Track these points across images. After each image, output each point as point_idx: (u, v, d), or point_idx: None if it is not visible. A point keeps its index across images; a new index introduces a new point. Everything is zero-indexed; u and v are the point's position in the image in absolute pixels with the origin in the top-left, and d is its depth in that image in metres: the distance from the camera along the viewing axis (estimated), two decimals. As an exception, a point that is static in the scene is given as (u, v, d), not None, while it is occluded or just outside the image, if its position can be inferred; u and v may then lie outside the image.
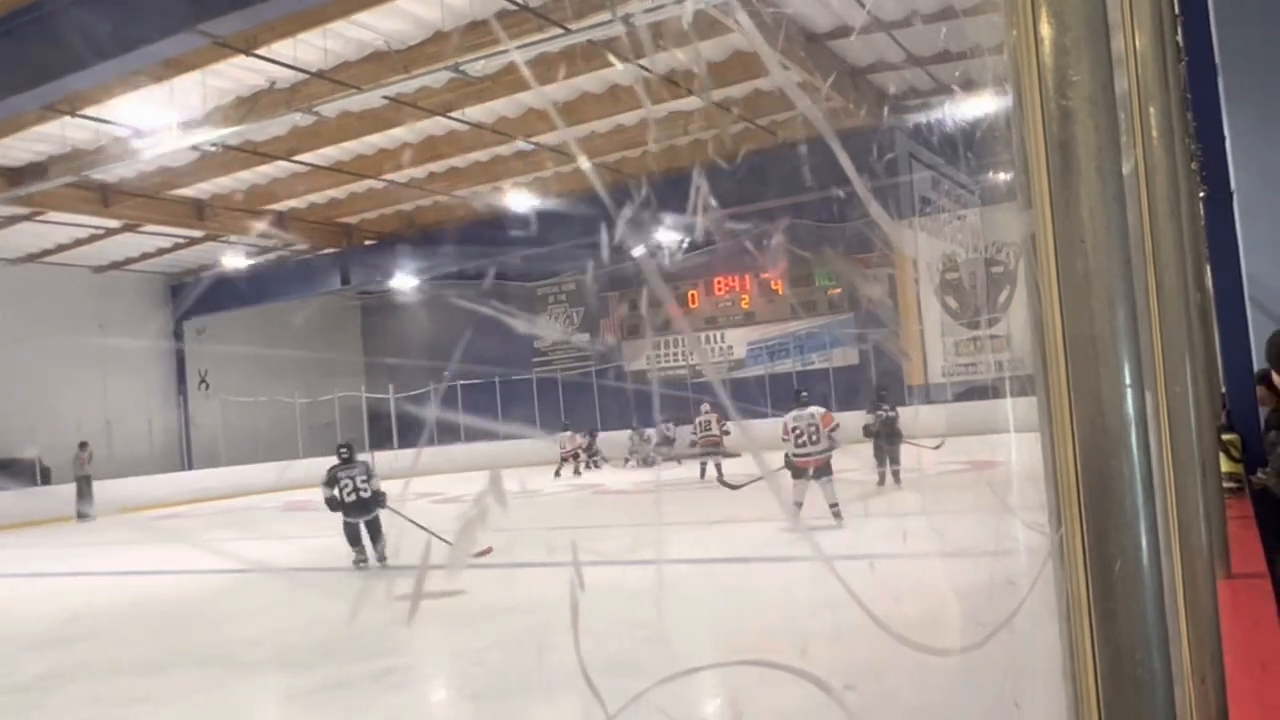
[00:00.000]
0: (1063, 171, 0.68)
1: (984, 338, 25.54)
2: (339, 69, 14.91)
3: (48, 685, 6.46)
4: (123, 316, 27.11)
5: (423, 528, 8.67)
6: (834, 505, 10.09)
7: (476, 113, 17.48)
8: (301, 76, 15.11)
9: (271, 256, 26.79)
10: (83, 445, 22.26)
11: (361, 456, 10.98)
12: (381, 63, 14.65)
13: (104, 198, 20.33)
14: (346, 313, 33.95)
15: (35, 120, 15.51)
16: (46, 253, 24.22)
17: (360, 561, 10.44)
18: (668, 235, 21.39)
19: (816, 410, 10.24)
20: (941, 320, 26.22)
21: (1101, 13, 0.69)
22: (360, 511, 10.30)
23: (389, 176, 21.06)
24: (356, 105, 16.30)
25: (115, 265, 26.45)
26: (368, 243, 26.23)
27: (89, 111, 15.46)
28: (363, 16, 13.61)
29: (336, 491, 10.29)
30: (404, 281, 27.12)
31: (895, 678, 5.07)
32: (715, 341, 29.86)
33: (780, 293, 28.86)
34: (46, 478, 23.68)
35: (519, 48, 13.16)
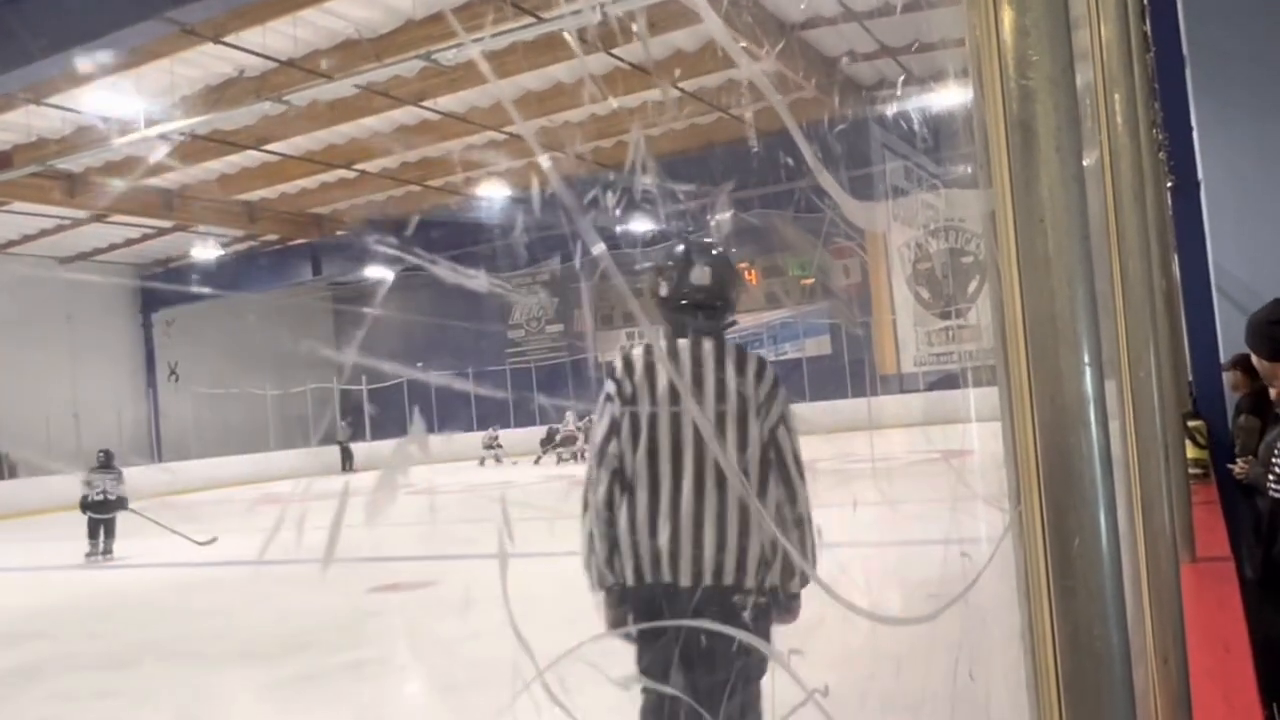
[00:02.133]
0: (1022, 151, 0.68)
1: (955, 327, 25.72)
2: (309, 57, 14.78)
3: (14, 681, 6.39)
4: (91, 308, 26.82)
5: (165, 526, 11.70)
6: None
7: (449, 102, 17.40)
8: (271, 65, 14.97)
9: (242, 247, 26.56)
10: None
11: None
12: (353, 51, 14.54)
13: (70, 188, 20.08)
14: (318, 304, 33.71)
15: (-1, 108, 15.30)
16: (12, 243, 23.91)
17: (91, 554, 11.99)
18: (639, 225, 21.41)
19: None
20: (914, 310, 26.37)
21: (1061, -6, 0.70)
22: (103, 511, 12.03)
23: (361, 166, 20.93)
24: (327, 94, 16.16)
25: (83, 256, 26.15)
26: (339, 233, 26.06)
27: (54, 100, 15.26)
28: (334, 4, 13.51)
29: (89, 491, 12.02)
30: (376, 272, 26.94)
31: (846, 646, 5.12)
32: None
33: (754, 283, 28.93)
34: (13, 472, 23.43)
35: (491, 36, 13.10)
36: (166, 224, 23.82)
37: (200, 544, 11.86)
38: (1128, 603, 0.69)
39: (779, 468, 2.62)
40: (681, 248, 2.87)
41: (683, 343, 2.75)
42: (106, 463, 12.43)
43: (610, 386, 2.74)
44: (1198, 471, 5.42)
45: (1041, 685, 0.70)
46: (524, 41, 13.79)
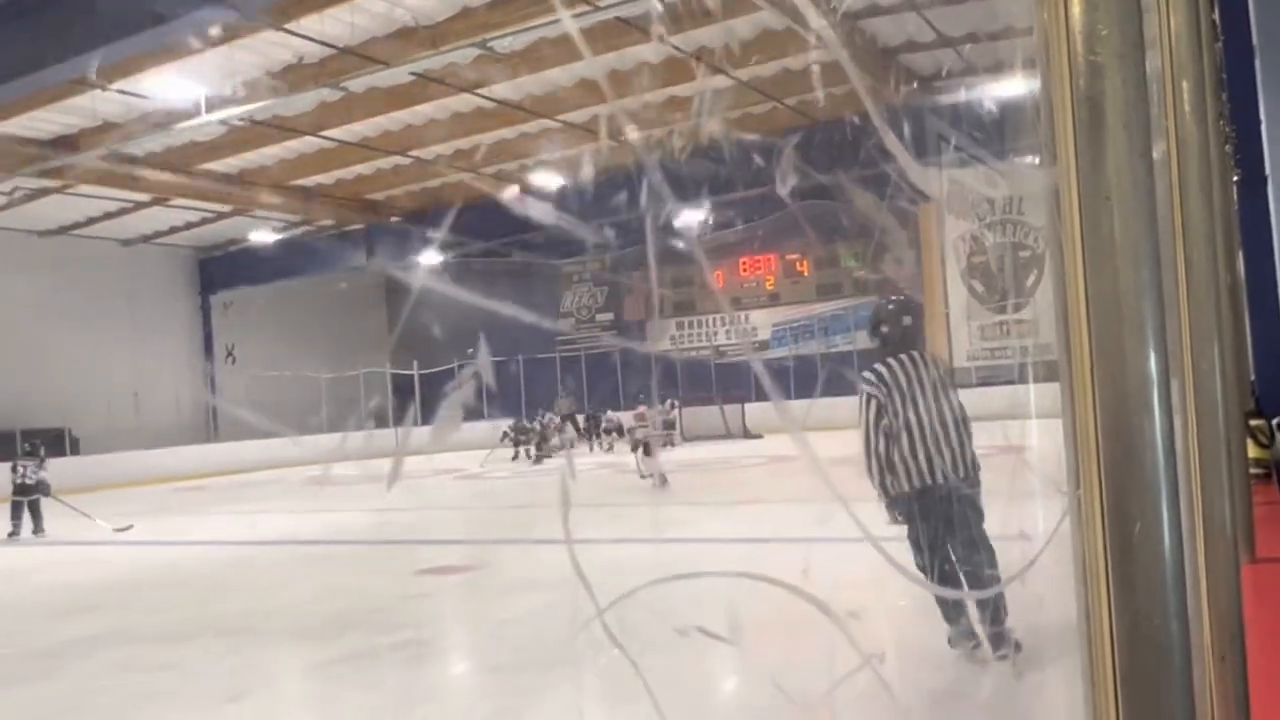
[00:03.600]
0: (1089, 127, 0.67)
1: (1010, 322, 25.34)
2: (367, 44, 14.92)
3: (75, 651, 6.55)
4: (151, 289, 27.36)
5: (80, 512, 12.80)
6: (654, 475, 13.48)
7: (504, 90, 17.47)
8: (330, 51, 15.13)
9: (298, 232, 26.92)
10: None
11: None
12: (409, 39, 14.65)
13: (133, 171, 20.48)
14: (372, 289, 34.09)
15: (66, 93, 15.61)
16: (76, 225, 24.44)
17: (13, 534, 12.97)
18: (692, 214, 21.37)
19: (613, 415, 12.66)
20: (967, 304, 26.03)
21: (1132, -34, 0.68)
22: (24, 494, 13.10)
23: (416, 153, 21.10)
24: (384, 81, 16.31)
25: (144, 239, 26.68)
26: (394, 219, 26.30)
27: (119, 85, 15.55)
28: (392, -9, 13.62)
29: (13, 474, 13.16)
30: (430, 258, 27.17)
31: (905, 618, 5.11)
32: (740, 322, 29.82)
33: (806, 274, 28.74)
34: (76, 448, 24.01)
35: (546, 24, 13.12)
36: (225, 208, 24.21)
37: (118, 530, 12.80)
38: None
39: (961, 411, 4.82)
40: (892, 306, 4.99)
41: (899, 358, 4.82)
42: (33, 450, 13.73)
43: (870, 387, 4.74)
44: (1259, 471, 5.29)
45: (1098, 674, 0.68)
46: (581, 29, 13.79)
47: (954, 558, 4.62)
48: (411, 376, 30.13)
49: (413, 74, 16.14)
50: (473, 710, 4.87)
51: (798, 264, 28.88)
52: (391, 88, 17.00)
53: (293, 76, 15.72)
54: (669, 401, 24.08)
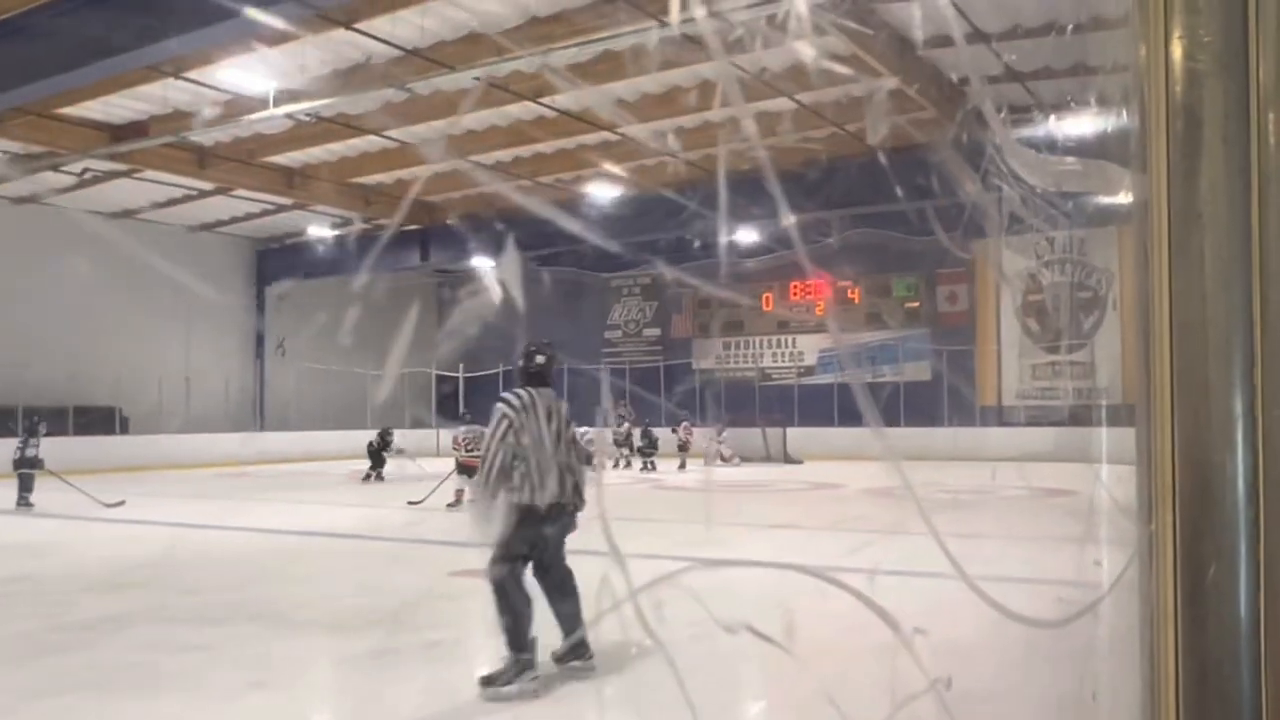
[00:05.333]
0: (1184, 139, 0.62)
1: (1063, 363, 24.95)
2: (434, 48, 15.07)
3: (107, 627, 6.62)
4: (210, 277, 27.80)
5: (74, 486, 14.04)
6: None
7: (565, 100, 17.55)
8: (397, 53, 15.30)
9: (355, 229, 27.21)
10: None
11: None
12: (477, 44, 14.76)
13: (200, 160, 20.85)
14: (424, 290, 34.36)
15: (139, 80, 15.93)
16: (140, 209, 24.92)
17: (22, 504, 14.05)
18: (745, 235, 21.30)
19: (478, 427, 12.68)
20: (1020, 342, 25.67)
21: (1239, -29, 0.63)
22: (24, 466, 14.24)
23: (475, 158, 21.25)
24: (449, 85, 16.44)
25: (206, 226, 27.13)
26: (449, 222, 26.50)
27: (191, 74, 15.84)
28: (462, -3, 13.74)
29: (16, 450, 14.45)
30: (482, 262, 27.31)
31: (973, 640, 4.96)
32: (786, 346, 29.65)
33: (856, 302, 28.51)
34: (125, 427, 24.43)
35: (610, 37, 13.16)
36: (286, 201, 24.55)
37: (108, 505, 13.60)
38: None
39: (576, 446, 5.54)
40: (534, 347, 5.64)
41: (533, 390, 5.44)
42: (32, 428, 14.84)
43: (505, 407, 5.28)
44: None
45: (1159, 723, 0.63)
46: (643, 45, 13.83)
47: (534, 574, 5.29)
48: (456, 379, 30.34)
49: (476, 79, 16.26)
50: (492, 713, 4.83)
51: (849, 291, 28.67)
52: (455, 91, 17.14)
53: (360, 75, 15.91)
54: (684, 424, 24.08)
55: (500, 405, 5.33)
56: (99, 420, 23.54)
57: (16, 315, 22.51)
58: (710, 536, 10.95)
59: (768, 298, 29.02)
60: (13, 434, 16.50)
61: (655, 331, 32.09)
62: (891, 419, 25.72)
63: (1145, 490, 0.65)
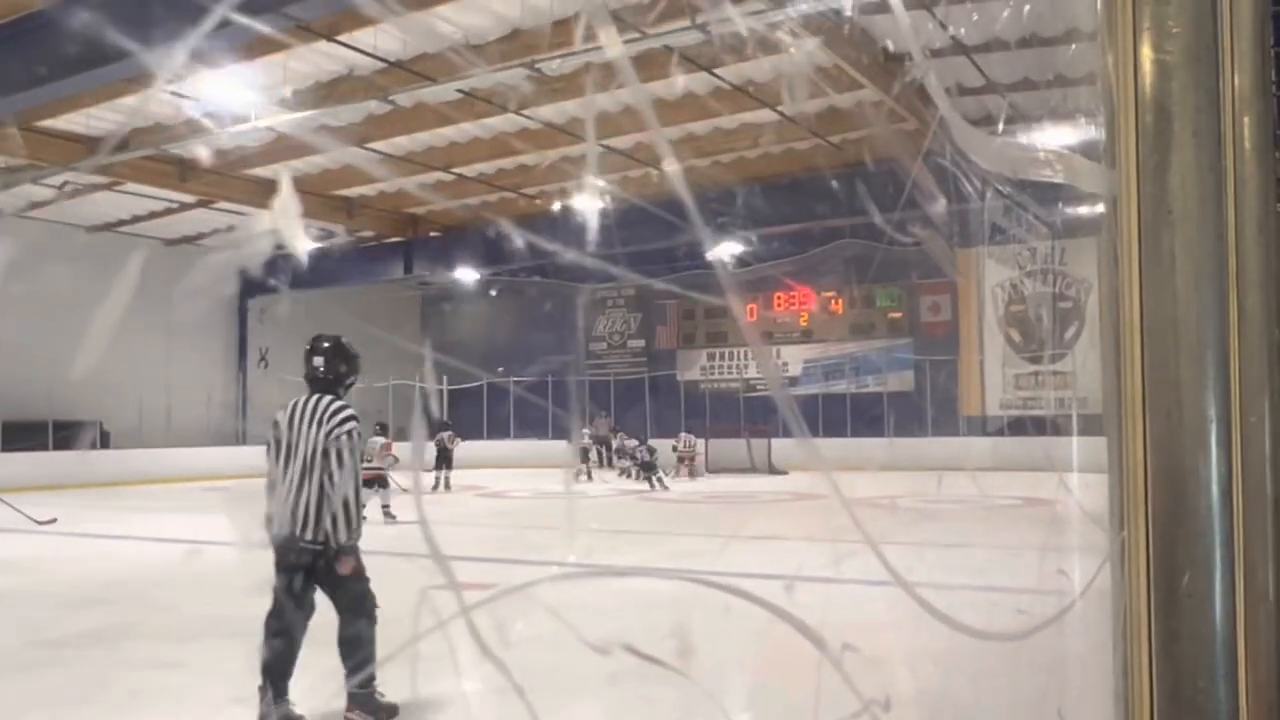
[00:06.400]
0: (1154, 133, 0.60)
1: (1046, 373, 25.06)
2: (417, 60, 15.05)
3: (84, 643, 6.54)
4: (190, 290, 27.64)
5: (8, 504, 13.40)
6: (386, 506, 13.39)
7: (548, 112, 17.55)
8: (380, 65, 15.28)
9: (338, 241, 27.14)
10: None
11: None
12: (459, 56, 14.76)
13: (181, 172, 20.75)
14: (407, 302, 34.28)
15: (119, 92, 15.84)
16: (122, 223, 24.78)
17: None
18: (728, 246, 21.33)
19: (378, 439, 13.42)
20: (1003, 352, 25.78)
21: (1208, -38, 0.61)
22: None
23: (458, 170, 21.23)
24: (431, 97, 16.43)
25: (186, 239, 26.98)
26: (432, 234, 26.46)
27: (172, 86, 15.77)
28: (444, 9, 13.72)
29: None
30: (465, 274, 27.32)
31: (921, 663, 4.93)
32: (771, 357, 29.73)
33: (839, 312, 28.60)
34: (106, 442, 24.23)
35: (594, 49, 13.16)
36: (267, 214, 24.46)
37: (40, 523, 13.59)
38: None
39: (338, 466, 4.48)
40: (310, 344, 4.81)
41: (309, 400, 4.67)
42: None
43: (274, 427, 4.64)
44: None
45: (1133, 739, 0.61)
46: (629, 56, 13.84)
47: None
48: (440, 391, 30.23)
49: (460, 91, 16.24)
50: (475, 731, 4.79)
51: (832, 302, 28.77)
52: (438, 104, 17.13)
53: (342, 88, 15.88)
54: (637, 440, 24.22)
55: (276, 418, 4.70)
56: (81, 435, 23.36)
57: (-3, 329, 22.33)
58: (682, 549, 10.92)
59: (752, 309, 29.07)
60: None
61: (640, 343, 32.10)
62: (876, 429, 25.79)
63: (1117, 496, 0.63)
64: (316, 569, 4.61)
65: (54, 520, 13.80)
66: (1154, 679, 0.59)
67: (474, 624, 1.14)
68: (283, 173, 22.28)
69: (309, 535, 4.53)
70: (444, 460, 20.17)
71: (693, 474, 24.21)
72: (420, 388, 28.15)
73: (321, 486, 4.45)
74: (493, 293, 29.85)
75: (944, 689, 4.64)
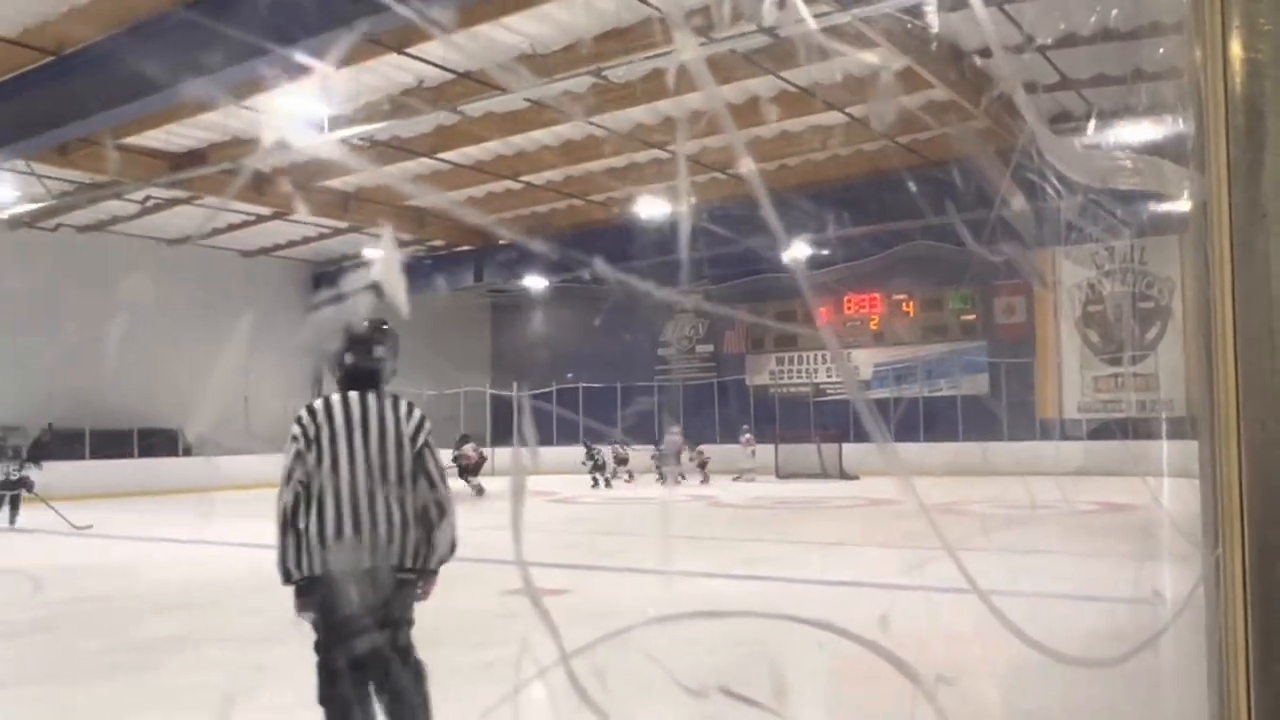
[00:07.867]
0: (1246, 132, 0.58)
1: (1127, 375, 24.44)
2: (484, 70, 15.23)
3: (170, 646, 6.72)
4: (267, 300, 28.30)
5: (53, 509, 13.99)
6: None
7: (615, 119, 17.64)
8: (448, 76, 15.50)
9: (410, 251, 27.57)
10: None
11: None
12: (526, 65, 14.90)
13: (257, 185, 21.27)
14: (478, 310, 34.69)
15: (197, 108, 16.30)
16: (201, 235, 25.48)
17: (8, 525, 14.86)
18: (799, 249, 21.20)
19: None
20: (1081, 353, 25.20)
21: (1302, -43, 0.59)
22: (6, 489, 15.19)
23: (526, 178, 21.43)
24: (499, 106, 16.62)
25: (264, 250, 27.63)
26: (502, 242, 26.74)
27: (248, 102, 16.18)
28: (511, 20, 13.87)
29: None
30: (535, 282, 27.57)
31: (1008, 684, 4.82)
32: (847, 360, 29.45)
33: (911, 315, 28.22)
34: (188, 450, 24.92)
35: (659, 55, 13.19)
36: (342, 224, 24.94)
37: (77, 529, 14.11)
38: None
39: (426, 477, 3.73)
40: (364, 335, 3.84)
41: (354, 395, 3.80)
42: (14, 455, 15.89)
43: (295, 427, 3.77)
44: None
45: (1230, 764, 0.59)
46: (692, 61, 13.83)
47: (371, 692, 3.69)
48: (510, 398, 30.51)
49: (527, 100, 16.40)
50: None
51: (904, 305, 28.40)
52: (506, 113, 17.32)
53: (413, 99, 16.14)
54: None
55: (295, 425, 3.80)
56: (162, 442, 24.05)
57: (84, 340, 23.09)
58: (755, 555, 10.86)
59: (823, 311, 28.80)
60: (81, 457, 17.19)
61: (708, 348, 32.02)
62: (949, 433, 25.40)
63: (1210, 511, 0.60)
64: (393, 607, 3.82)
65: (90, 526, 14.35)
66: (1251, 704, 0.57)
67: (573, 671, 1.13)
68: (386, 227, 22.84)
69: (401, 560, 3.78)
70: (467, 473, 20.49)
71: (705, 478, 24.38)
72: (515, 397, 28.63)
73: (403, 500, 3.66)
74: (559, 300, 30.05)
75: (1037, 708, 4.54)
